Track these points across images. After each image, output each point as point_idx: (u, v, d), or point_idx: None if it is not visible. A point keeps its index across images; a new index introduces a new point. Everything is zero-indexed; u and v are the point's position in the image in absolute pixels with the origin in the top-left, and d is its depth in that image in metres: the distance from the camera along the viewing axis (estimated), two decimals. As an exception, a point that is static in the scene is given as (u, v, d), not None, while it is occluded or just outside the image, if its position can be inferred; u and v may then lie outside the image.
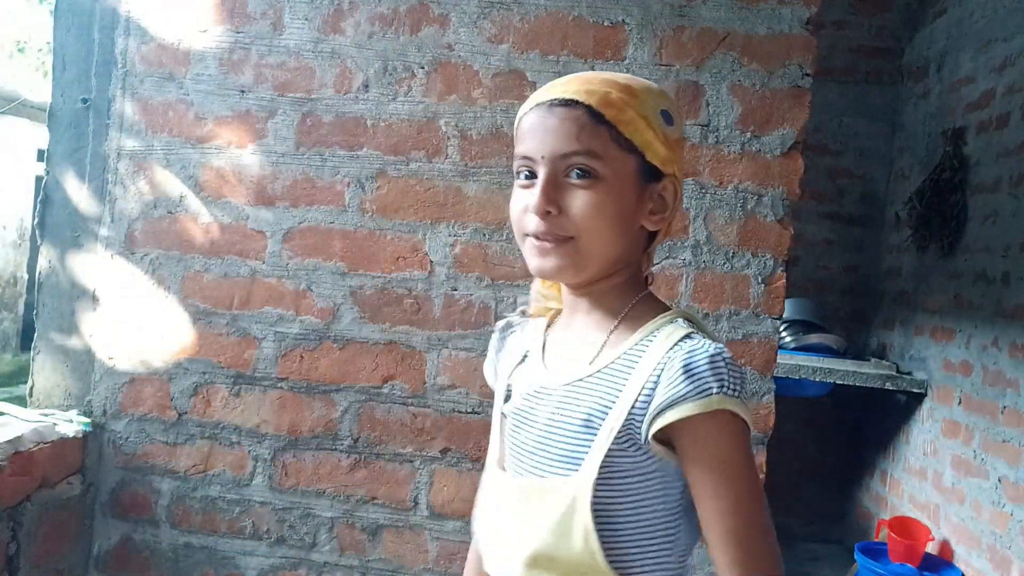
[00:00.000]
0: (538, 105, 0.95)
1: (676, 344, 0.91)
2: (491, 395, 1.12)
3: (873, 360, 3.59)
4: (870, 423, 3.76)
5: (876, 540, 3.14)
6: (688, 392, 0.87)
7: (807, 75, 1.87)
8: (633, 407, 0.90)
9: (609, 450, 0.89)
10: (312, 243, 1.98)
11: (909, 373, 3.37)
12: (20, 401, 2.13)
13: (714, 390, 0.86)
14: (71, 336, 2.04)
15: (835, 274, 3.94)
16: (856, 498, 3.84)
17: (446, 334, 1.95)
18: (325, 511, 1.99)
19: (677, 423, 0.87)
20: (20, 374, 6.88)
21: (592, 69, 1.90)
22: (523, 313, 1.12)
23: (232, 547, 2.01)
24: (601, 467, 0.89)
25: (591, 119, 0.91)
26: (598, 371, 0.94)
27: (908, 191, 3.50)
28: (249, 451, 2.00)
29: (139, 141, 2.02)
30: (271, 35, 1.98)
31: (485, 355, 1.92)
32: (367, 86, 1.96)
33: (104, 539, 2.03)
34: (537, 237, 0.93)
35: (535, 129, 0.94)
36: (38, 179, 2.49)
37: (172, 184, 2.01)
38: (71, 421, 1.97)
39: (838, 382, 3.26)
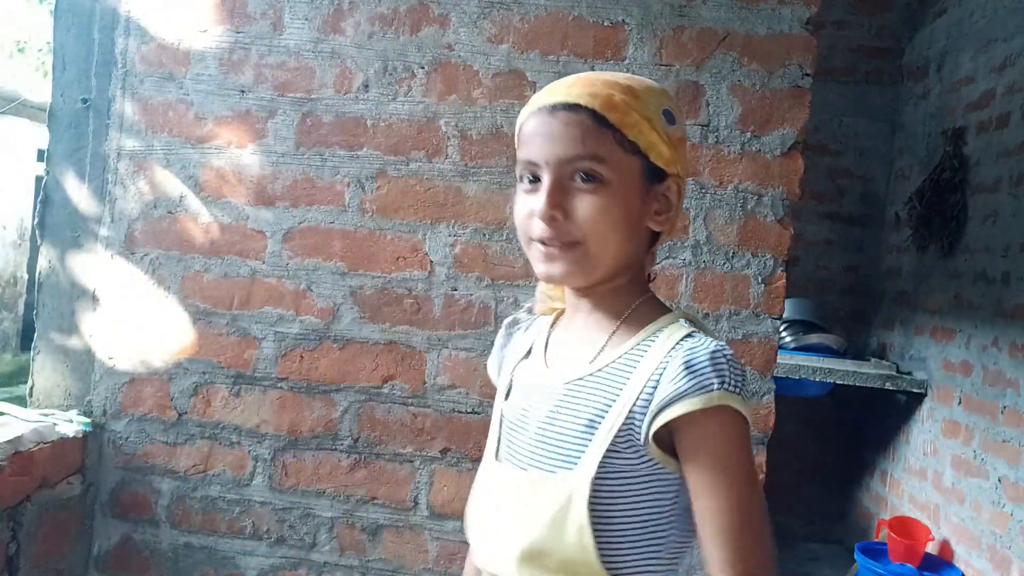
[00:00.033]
0: (540, 109, 0.94)
1: (678, 343, 0.91)
2: (491, 395, 1.12)
3: (873, 360, 3.59)
4: (870, 423, 3.76)
5: (876, 540, 3.14)
6: (690, 388, 0.87)
7: (807, 75, 1.87)
8: (633, 407, 0.90)
9: (607, 449, 0.90)
10: (312, 243, 1.98)
11: (909, 373, 3.37)
12: (20, 401, 2.13)
13: (715, 386, 0.87)
14: (71, 336, 2.04)
15: (835, 274, 3.94)
16: (856, 498, 3.84)
17: (446, 334, 1.95)
18: (325, 511, 1.99)
19: (678, 419, 0.87)
20: (20, 374, 6.88)
21: (592, 69, 1.90)
22: (530, 310, 1.13)
23: (232, 547, 2.01)
24: (599, 465, 0.89)
25: (595, 123, 0.91)
26: (599, 370, 0.95)
27: (908, 191, 3.50)
28: (249, 451, 2.00)
29: (139, 141, 2.02)
30: (271, 35, 1.98)
31: (485, 355, 1.93)
32: (367, 86, 1.96)
33: (104, 539, 2.03)
34: (544, 243, 0.93)
35: (538, 134, 0.94)
36: (38, 179, 2.49)
37: (172, 184, 2.01)
38: (71, 421, 1.97)
39: (838, 382, 3.26)
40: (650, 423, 0.89)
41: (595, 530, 0.88)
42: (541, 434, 0.96)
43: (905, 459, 3.38)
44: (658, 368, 0.90)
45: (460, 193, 1.94)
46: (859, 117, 3.89)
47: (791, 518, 3.72)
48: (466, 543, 1.06)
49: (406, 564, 1.97)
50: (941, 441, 3.07)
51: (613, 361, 0.94)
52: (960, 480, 2.89)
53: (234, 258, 2.00)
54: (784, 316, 2.22)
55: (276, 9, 1.98)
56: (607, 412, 0.91)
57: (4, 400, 2.16)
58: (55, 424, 1.93)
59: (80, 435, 1.96)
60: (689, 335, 0.92)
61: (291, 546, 1.99)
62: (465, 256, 1.94)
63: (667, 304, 1.02)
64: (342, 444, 1.98)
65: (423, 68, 1.95)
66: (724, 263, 1.89)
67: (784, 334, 3.49)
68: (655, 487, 0.91)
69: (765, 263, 1.88)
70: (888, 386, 3.26)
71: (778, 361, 1.95)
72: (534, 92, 1.88)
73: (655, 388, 0.89)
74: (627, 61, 1.90)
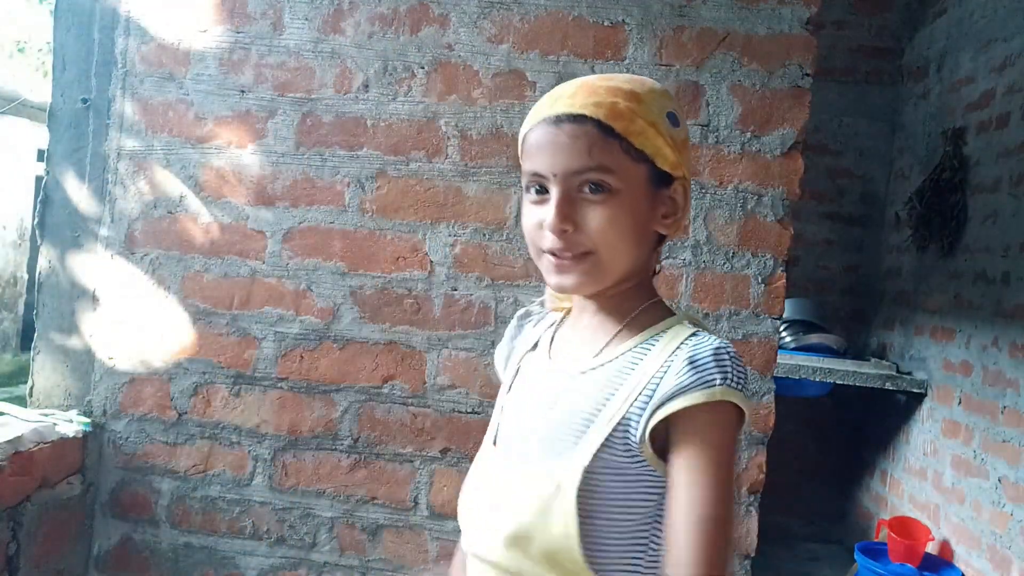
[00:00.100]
0: (544, 120, 0.94)
1: (683, 343, 0.93)
2: (491, 395, 1.13)
3: (873, 360, 3.59)
4: (870, 423, 3.76)
5: (876, 540, 3.14)
6: (693, 382, 0.88)
7: (807, 75, 1.87)
8: (632, 404, 0.91)
9: (601, 444, 0.90)
10: (312, 243, 1.98)
11: (909, 373, 3.37)
12: (20, 401, 2.13)
13: (718, 381, 0.88)
14: (71, 336, 2.04)
15: (835, 274, 3.94)
16: (856, 498, 3.83)
17: (446, 334, 1.95)
18: (325, 511, 1.99)
19: (678, 413, 0.88)
20: (20, 374, 6.88)
21: (592, 69, 1.90)
22: (542, 304, 1.13)
23: (232, 547, 2.01)
24: (592, 459, 0.90)
25: (601, 133, 0.91)
26: (600, 365, 0.96)
27: (908, 191, 3.50)
28: (249, 451, 2.00)
29: (139, 141, 2.02)
30: (271, 35, 1.98)
31: (485, 355, 1.94)
32: (367, 86, 1.96)
33: (104, 539, 2.03)
34: (555, 254, 0.93)
35: (544, 146, 0.93)
36: (38, 179, 2.49)
37: (172, 184, 2.01)
38: (71, 421, 1.97)
39: (838, 382, 3.26)
40: (649, 418, 0.89)
41: (581, 522, 0.89)
42: (539, 424, 0.97)
43: (905, 459, 3.38)
44: (662, 367, 0.91)
45: (460, 193, 1.94)
46: (859, 117, 3.89)
47: (791, 518, 3.72)
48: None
49: (406, 564, 1.97)
50: (941, 441, 3.07)
51: (615, 358, 0.95)
52: (960, 480, 2.89)
53: (234, 258, 2.00)
54: (784, 316, 2.22)
55: (276, 9, 1.98)
56: (604, 407, 0.92)
57: (4, 400, 2.16)
58: (55, 424, 1.93)
59: (80, 435, 1.96)
60: (694, 334, 0.94)
61: (291, 546, 1.99)
62: (465, 256, 1.94)
63: (672, 307, 1.02)
64: (342, 444, 1.98)
65: (423, 68, 1.95)
66: (724, 263, 1.89)
67: (784, 334, 3.49)
68: (643, 488, 0.91)
69: (765, 263, 1.88)
70: (888, 386, 3.26)
71: (778, 361, 1.95)
72: (534, 92, 1.90)
73: (657, 385, 0.90)
74: (627, 61, 1.90)
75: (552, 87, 1.00)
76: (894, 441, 3.50)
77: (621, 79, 0.96)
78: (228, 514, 2.00)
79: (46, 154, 2.05)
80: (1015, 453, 2.55)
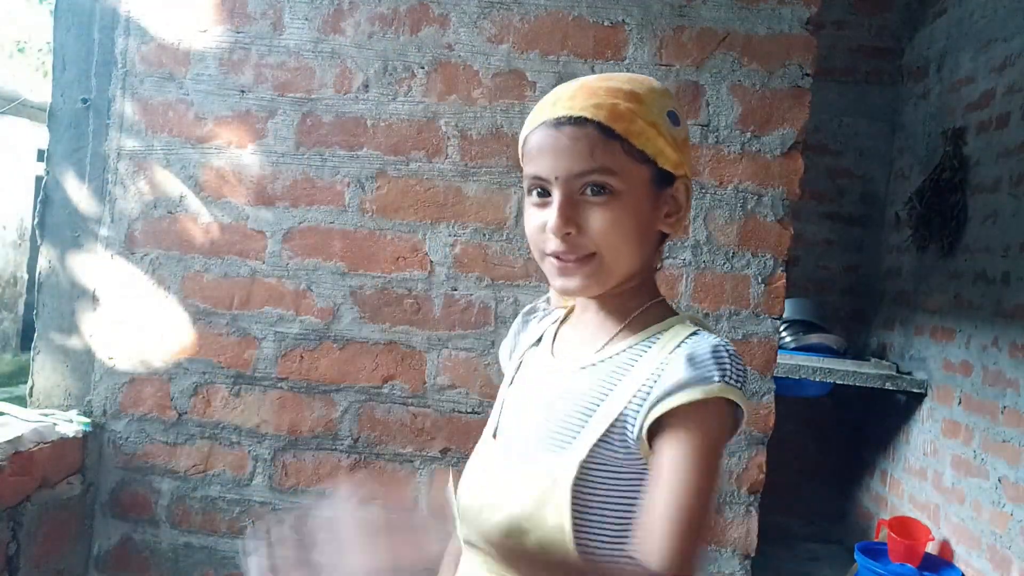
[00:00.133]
0: (545, 123, 0.94)
1: (683, 341, 0.93)
2: (491, 395, 1.13)
3: (873, 360, 3.59)
4: (870, 423, 3.76)
5: (876, 540, 3.14)
6: (690, 379, 0.88)
7: (807, 75, 1.87)
8: (631, 400, 0.91)
9: (598, 439, 0.91)
10: (312, 243, 1.98)
11: (909, 373, 3.37)
12: (20, 401, 2.13)
13: (716, 378, 0.88)
14: (71, 336, 2.04)
15: (835, 274, 3.94)
16: (856, 498, 3.83)
17: (446, 334, 1.95)
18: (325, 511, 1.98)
19: (676, 409, 0.88)
20: (20, 374, 6.88)
21: (592, 69, 1.90)
22: (548, 300, 1.13)
23: (232, 547, 2.00)
24: (588, 453, 0.90)
25: (602, 135, 0.91)
26: (601, 361, 0.96)
27: (908, 191, 3.50)
28: (249, 451, 2.00)
29: (139, 141, 2.02)
30: (271, 35, 1.98)
31: (485, 355, 1.94)
32: (367, 86, 1.96)
33: (104, 539, 2.03)
34: (558, 257, 0.94)
35: (545, 149, 0.93)
36: (38, 179, 2.49)
37: (172, 184, 2.01)
38: (71, 421, 1.97)
39: (838, 382, 3.26)
40: (647, 415, 0.89)
41: (574, 516, 0.89)
42: (538, 418, 0.97)
43: (905, 459, 3.38)
44: (661, 364, 0.91)
45: (460, 193, 1.94)
46: (859, 117, 3.89)
47: (791, 518, 3.71)
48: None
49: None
50: (941, 441, 3.07)
51: (615, 355, 0.96)
52: (960, 480, 2.89)
53: (234, 258, 2.00)
54: (784, 316, 2.22)
55: (276, 9, 1.98)
56: (603, 403, 0.93)
57: (4, 400, 2.16)
58: (55, 424, 1.93)
59: (80, 435, 1.96)
60: (694, 333, 0.94)
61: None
62: (465, 256, 1.94)
63: (675, 307, 1.03)
64: (342, 444, 1.98)
65: (423, 68, 1.95)
66: (724, 263, 1.89)
67: (784, 334, 3.49)
68: (638, 484, 0.91)
69: (765, 263, 1.88)
70: (888, 386, 3.26)
71: (778, 361, 1.95)
72: (534, 92, 1.90)
73: (655, 382, 0.90)
74: (627, 61, 1.90)
75: (552, 87, 1.00)
76: (894, 441, 3.50)
77: (621, 79, 0.96)
78: (228, 514, 2.00)
79: (46, 154, 2.05)
80: (1015, 453, 2.55)
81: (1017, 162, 2.74)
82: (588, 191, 0.92)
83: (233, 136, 1.99)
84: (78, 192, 2.03)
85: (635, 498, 0.91)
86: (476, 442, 1.06)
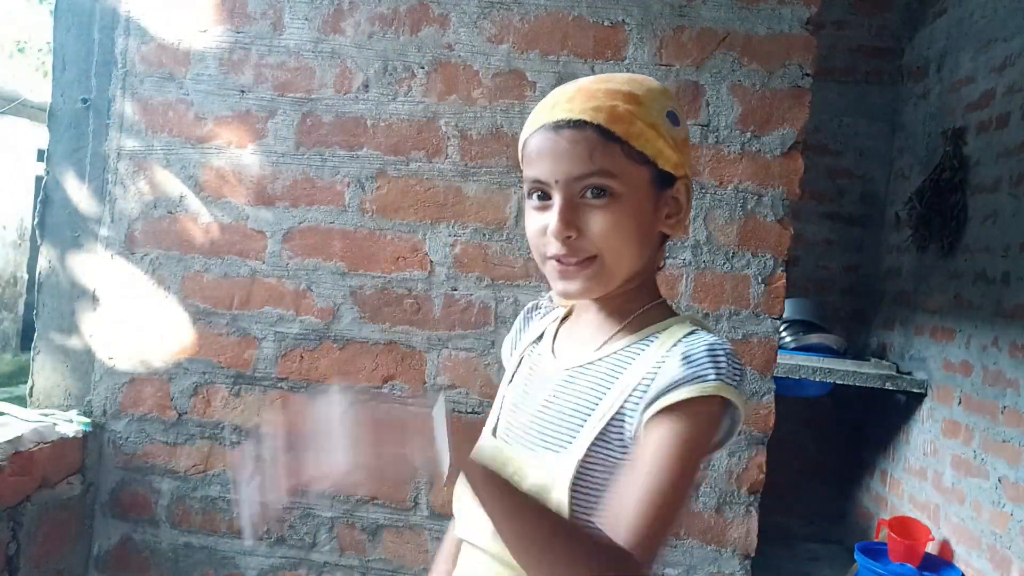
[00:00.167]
0: (544, 126, 0.94)
1: (679, 340, 0.93)
2: (491, 395, 1.13)
3: (873, 360, 3.59)
4: (870, 423, 3.76)
5: (876, 540, 3.14)
6: (686, 377, 0.88)
7: (807, 75, 1.87)
8: (628, 398, 0.91)
9: (595, 438, 0.91)
10: (312, 243, 1.98)
11: (909, 373, 3.37)
12: (20, 401, 2.13)
13: (711, 376, 0.87)
14: (71, 336, 2.04)
15: (835, 274, 3.94)
16: (856, 498, 3.83)
17: (446, 334, 1.95)
18: (325, 511, 1.99)
19: (672, 406, 0.87)
20: (20, 374, 6.87)
21: (592, 69, 1.90)
22: (551, 298, 1.14)
23: (232, 547, 2.01)
24: (587, 451, 0.90)
25: (602, 137, 0.90)
26: (599, 360, 0.97)
27: (908, 191, 3.50)
28: (249, 451, 2.00)
29: (139, 141, 2.02)
30: (271, 35, 1.98)
31: (485, 355, 1.94)
32: (367, 86, 1.96)
33: (104, 539, 2.03)
34: (559, 260, 0.93)
35: (544, 152, 0.93)
36: (38, 179, 2.49)
37: (172, 184, 2.01)
38: (71, 421, 1.97)
39: (838, 382, 3.26)
40: (643, 413, 0.89)
41: (572, 514, 0.89)
42: (537, 417, 0.97)
43: (905, 459, 3.38)
44: (657, 363, 0.91)
45: (460, 193, 1.94)
46: (859, 117, 3.89)
47: (791, 518, 3.71)
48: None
49: (406, 564, 1.97)
50: (941, 441, 3.07)
51: (613, 354, 0.96)
52: (960, 480, 2.89)
53: (234, 258, 2.00)
54: (784, 316, 2.22)
55: (276, 9, 1.98)
56: (600, 401, 0.93)
57: (4, 400, 2.16)
58: (55, 424, 1.93)
59: (80, 435, 1.96)
60: (691, 332, 0.94)
61: (291, 546, 1.99)
62: (465, 256, 1.94)
63: (676, 309, 1.03)
64: (342, 444, 1.98)
65: (423, 68, 1.95)
66: (724, 263, 1.89)
67: (784, 334, 3.49)
68: None
69: (765, 263, 1.88)
70: (888, 386, 3.26)
71: (778, 361, 1.95)
72: (534, 92, 1.90)
73: (652, 381, 0.90)
74: (627, 61, 1.90)
75: (552, 87, 1.00)
76: (894, 441, 3.50)
77: (620, 80, 0.96)
78: (228, 514, 2.00)
79: (46, 154, 2.05)
80: (1015, 453, 2.55)
81: (1017, 162, 2.74)
82: (588, 194, 0.91)
83: (233, 136, 1.99)
84: (78, 192, 2.03)
85: None
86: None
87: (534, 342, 1.09)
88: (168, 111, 2.01)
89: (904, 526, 3.05)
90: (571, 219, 0.91)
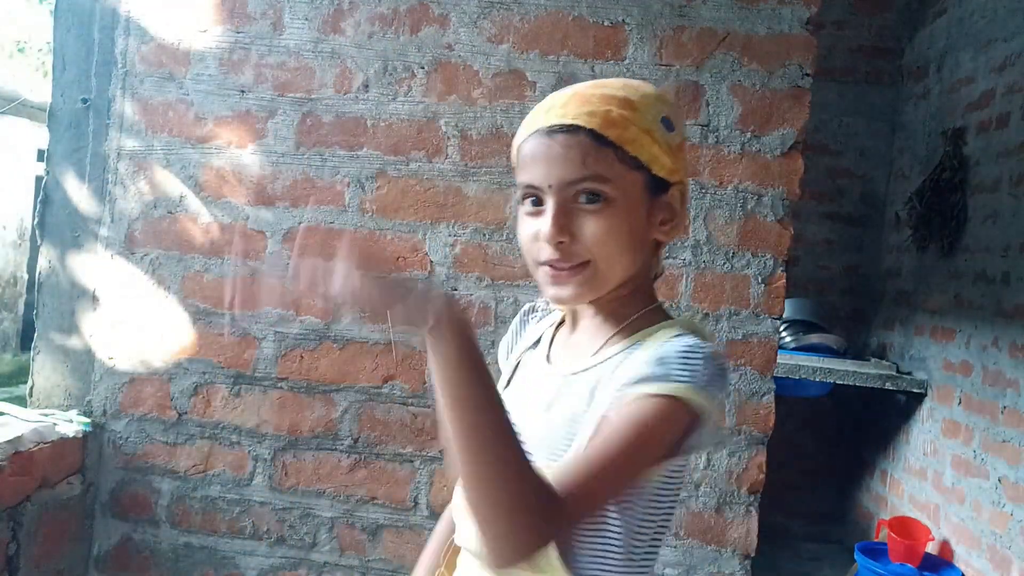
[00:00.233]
0: (538, 131, 0.93)
1: (662, 344, 0.91)
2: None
3: (873, 360, 3.59)
4: (870, 423, 3.76)
5: (876, 540, 3.14)
6: (654, 374, 0.86)
7: (807, 75, 1.87)
8: (613, 402, 0.90)
9: (586, 445, 0.90)
10: (312, 243, 1.97)
11: (909, 373, 3.37)
12: (20, 401, 2.13)
13: (676, 377, 0.85)
14: (71, 336, 2.04)
15: (835, 274, 3.94)
16: (856, 498, 3.83)
17: (446, 334, 1.95)
18: (325, 511, 1.99)
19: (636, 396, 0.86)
20: (20, 374, 6.87)
21: (592, 69, 1.90)
22: (548, 301, 1.13)
23: (232, 547, 2.01)
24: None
25: (595, 142, 0.90)
26: (592, 367, 0.96)
27: (908, 191, 3.50)
28: (249, 451, 2.00)
29: (139, 141, 2.02)
30: (271, 35, 1.98)
31: (485, 355, 1.93)
32: (367, 86, 1.96)
33: (104, 539, 2.03)
34: (552, 266, 0.93)
35: (538, 157, 0.93)
36: (38, 179, 2.49)
37: (172, 184, 2.01)
38: (71, 421, 1.97)
39: (838, 382, 3.26)
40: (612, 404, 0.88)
41: None
42: (536, 426, 0.97)
43: (905, 459, 3.38)
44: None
45: (460, 193, 1.94)
46: (859, 117, 3.89)
47: (791, 518, 3.72)
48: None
49: (406, 564, 1.97)
50: (941, 441, 3.07)
51: (604, 361, 0.95)
52: (960, 480, 2.89)
53: (234, 258, 2.00)
54: (784, 316, 2.22)
55: (276, 9, 1.98)
56: (589, 408, 0.92)
57: (4, 400, 2.16)
58: (55, 424, 1.93)
59: (80, 435, 1.96)
60: (678, 336, 0.91)
61: (291, 546, 1.99)
62: (465, 256, 1.94)
63: (671, 313, 1.01)
64: (342, 444, 1.98)
65: (423, 68, 1.95)
66: (724, 263, 1.89)
67: (784, 334, 3.49)
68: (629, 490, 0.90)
69: (765, 263, 1.88)
70: (888, 386, 3.26)
71: (778, 361, 1.95)
72: (534, 92, 1.90)
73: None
74: (627, 61, 1.90)
75: (552, 87, 1.00)
76: (894, 441, 3.50)
77: (614, 85, 0.95)
78: (228, 514, 2.00)
79: (46, 154, 2.05)
80: (1015, 453, 2.55)
81: (1017, 162, 2.74)
82: (582, 199, 0.91)
83: (233, 136, 1.99)
84: (78, 192, 2.03)
85: (626, 502, 0.90)
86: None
87: (531, 347, 1.08)
88: (168, 111, 2.01)
89: (904, 526, 3.05)
90: (564, 224, 0.91)
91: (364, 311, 0.84)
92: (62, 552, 1.95)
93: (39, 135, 7.06)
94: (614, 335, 0.97)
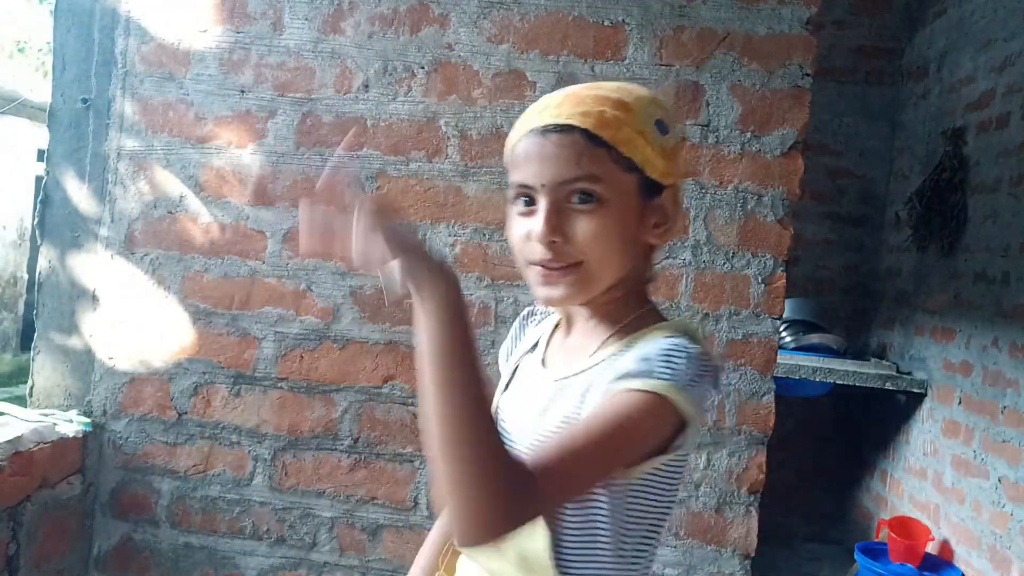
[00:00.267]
0: (532, 131, 0.93)
1: (651, 343, 0.91)
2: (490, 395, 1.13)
3: (873, 360, 3.59)
4: (870, 423, 3.76)
5: (876, 540, 3.14)
6: (637, 370, 0.86)
7: (807, 75, 1.87)
8: None
9: None
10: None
11: (909, 373, 3.37)
12: (20, 401, 2.13)
13: (658, 375, 0.85)
14: (71, 336, 2.04)
15: (835, 274, 3.94)
16: (856, 498, 3.83)
17: (446, 334, 1.95)
18: (325, 511, 1.99)
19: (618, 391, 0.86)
20: (20, 374, 6.87)
21: (592, 69, 1.90)
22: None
23: (232, 547, 2.01)
24: None
25: (589, 142, 0.90)
26: (585, 370, 0.95)
27: (908, 191, 3.50)
28: (249, 451, 2.00)
29: (139, 141, 2.02)
30: (271, 35, 1.98)
31: (485, 355, 1.93)
32: (367, 86, 1.96)
33: (104, 539, 2.03)
34: (544, 266, 0.92)
35: (531, 157, 0.92)
36: (38, 179, 2.49)
37: (172, 184, 2.01)
38: (71, 421, 1.97)
39: (838, 382, 3.26)
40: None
41: (549, 526, 0.88)
42: (531, 430, 0.97)
43: (905, 459, 3.38)
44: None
45: (460, 193, 1.94)
46: (859, 117, 3.89)
47: (791, 518, 3.71)
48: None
49: (406, 564, 1.96)
50: (941, 441, 3.07)
51: (596, 365, 0.95)
52: (960, 480, 2.89)
53: (234, 258, 2.00)
54: (784, 316, 2.22)
55: (276, 9, 1.98)
56: (580, 412, 0.92)
57: (4, 400, 2.16)
58: (55, 424, 1.93)
59: (80, 435, 1.96)
60: (668, 338, 0.91)
61: (291, 546, 1.99)
62: (465, 256, 1.94)
63: (665, 315, 1.01)
64: (342, 444, 1.98)
65: (423, 68, 1.95)
66: (724, 263, 1.89)
67: (784, 334, 3.49)
68: (607, 493, 0.89)
69: (765, 263, 1.88)
70: (888, 386, 3.26)
71: (778, 361, 1.95)
72: (534, 92, 1.90)
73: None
74: (627, 61, 1.90)
75: (552, 87, 1.00)
76: (894, 441, 3.50)
77: (609, 87, 0.95)
78: (228, 514, 2.00)
79: (46, 154, 2.05)
80: (1015, 453, 2.55)
81: (1017, 162, 2.74)
82: (575, 199, 0.90)
83: (233, 136, 1.99)
84: (78, 192, 2.03)
85: (604, 505, 0.89)
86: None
87: (528, 351, 1.08)
88: (168, 111, 2.01)
89: (904, 526, 3.05)
90: (557, 224, 0.90)
91: (369, 259, 0.83)
92: (62, 552, 1.95)
93: (39, 135, 7.06)
94: (608, 338, 0.97)
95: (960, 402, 2.95)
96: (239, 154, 1.99)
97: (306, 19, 1.97)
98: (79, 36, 2.03)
